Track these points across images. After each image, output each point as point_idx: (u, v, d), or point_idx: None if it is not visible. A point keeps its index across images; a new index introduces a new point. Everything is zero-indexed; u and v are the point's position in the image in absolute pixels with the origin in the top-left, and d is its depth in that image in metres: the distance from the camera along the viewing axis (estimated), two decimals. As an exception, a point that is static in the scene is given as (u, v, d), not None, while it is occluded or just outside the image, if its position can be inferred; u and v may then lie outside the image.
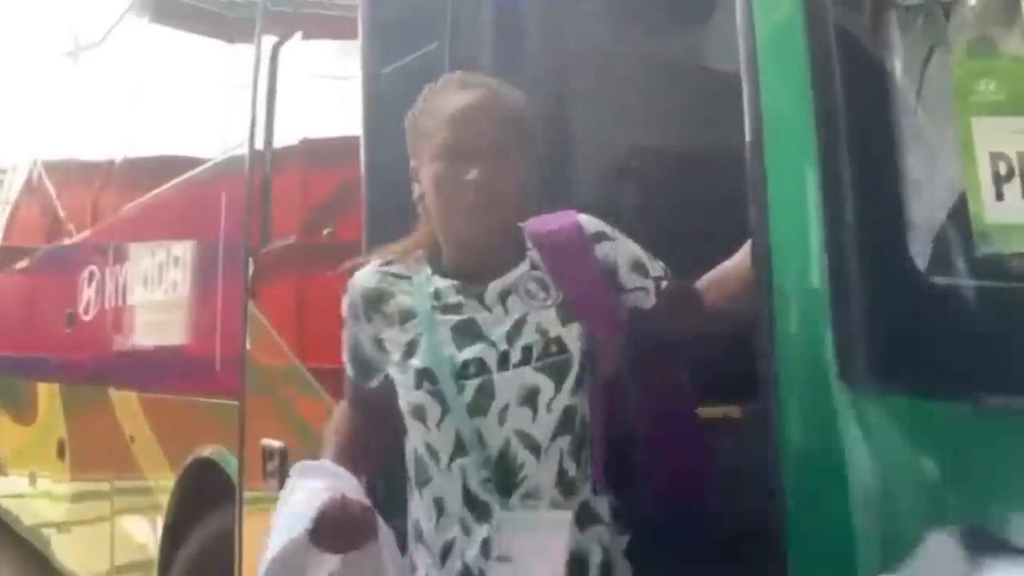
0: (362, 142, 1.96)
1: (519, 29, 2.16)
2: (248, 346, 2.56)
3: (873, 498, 1.25)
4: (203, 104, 3.96)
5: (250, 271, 2.53)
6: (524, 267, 1.55)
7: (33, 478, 5.90)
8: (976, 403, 1.22)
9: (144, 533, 3.84)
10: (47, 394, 5.61)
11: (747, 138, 1.36)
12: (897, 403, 1.24)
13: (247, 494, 2.53)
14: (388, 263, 1.60)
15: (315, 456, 1.69)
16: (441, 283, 1.54)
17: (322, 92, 2.49)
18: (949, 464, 1.24)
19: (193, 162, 3.70)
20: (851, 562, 1.25)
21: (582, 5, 2.22)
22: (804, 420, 1.29)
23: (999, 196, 1.24)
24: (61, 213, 5.98)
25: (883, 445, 1.25)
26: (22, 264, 6.78)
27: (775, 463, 1.30)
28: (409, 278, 1.57)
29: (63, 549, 5.29)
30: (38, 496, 5.84)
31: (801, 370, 1.29)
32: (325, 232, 2.16)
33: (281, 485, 2.35)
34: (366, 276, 1.61)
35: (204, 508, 3.26)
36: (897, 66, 1.30)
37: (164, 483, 3.58)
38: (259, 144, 2.58)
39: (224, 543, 2.90)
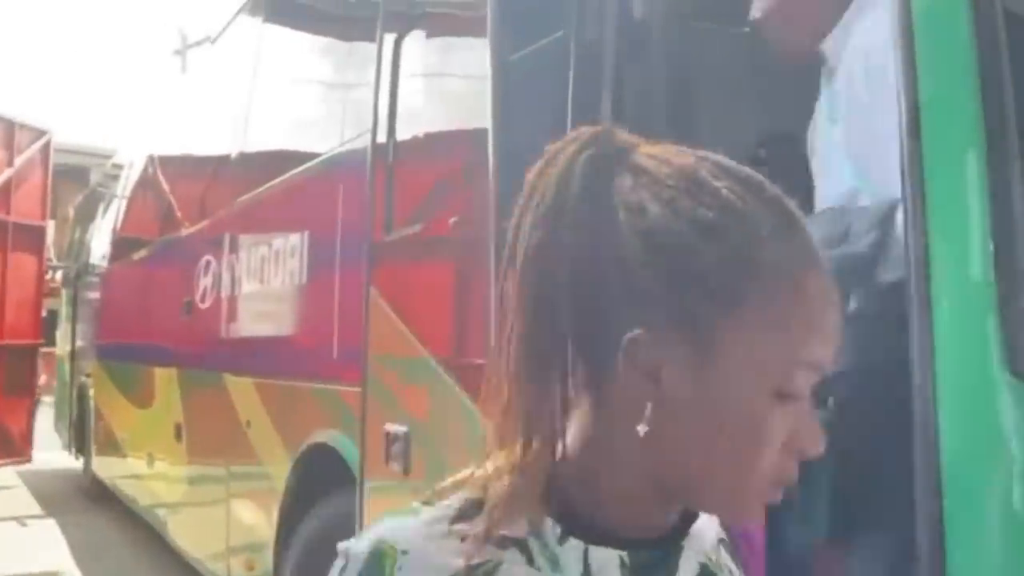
0: (490, 130, 1.95)
1: (646, 14, 2.13)
2: (370, 334, 2.60)
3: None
4: (318, 99, 4.05)
5: (372, 261, 2.57)
6: None
7: (151, 460, 6.13)
8: None
9: (259, 517, 3.95)
10: (164, 379, 5.83)
11: (903, 122, 1.31)
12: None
13: (368, 482, 2.58)
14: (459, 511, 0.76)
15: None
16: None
17: (442, 85, 2.51)
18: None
19: (308, 156, 3.78)
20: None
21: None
22: (968, 415, 1.24)
23: None
24: (174, 206, 6.20)
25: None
26: (138, 255, 7.06)
27: (932, 460, 1.25)
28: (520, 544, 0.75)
29: (179, 529, 5.49)
30: (155, 477, 6.07)
31: (965, 365, 1.24)
32: (451, 221, 2.18)
33: (405, 469, 2.40)
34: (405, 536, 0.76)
35: (319, 493, 3.33)
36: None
37: (280, 468, 3.67)
38: (381, 136, 2.61)
39: (339, 528, 2.96)
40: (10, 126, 8.95)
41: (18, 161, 8.98)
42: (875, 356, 1.46)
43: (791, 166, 2.22)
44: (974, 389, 1.23)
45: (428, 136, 2.53)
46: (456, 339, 2.17)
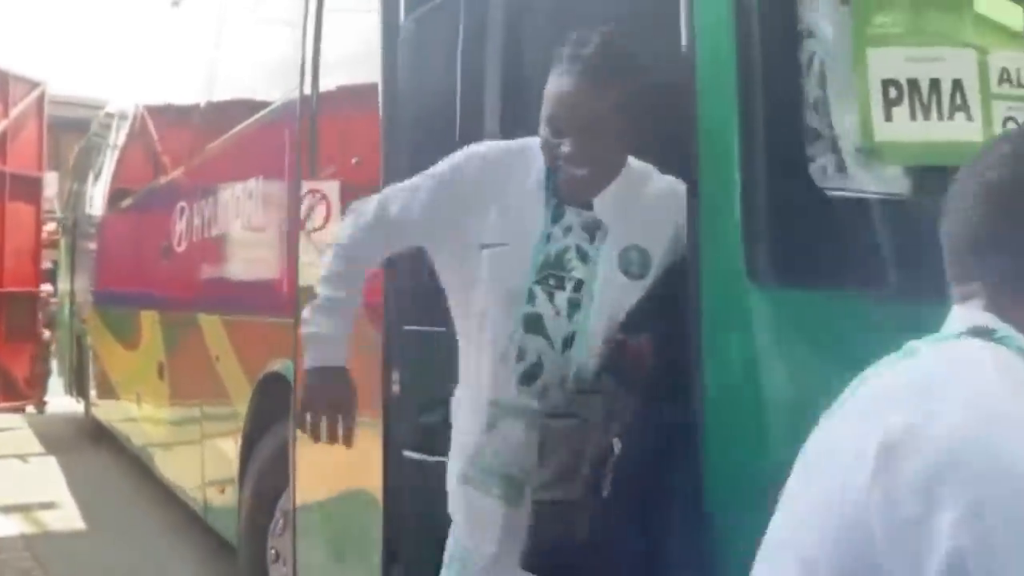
0: (380, 86, 2.18)
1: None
2: (300, 269, 2.85)
3: (780, 377, 1.45)
4: (276, 48, 4.26)
5: (298, 202, 2.82)
6: None
7: (139, 399, 6.45)
8: (865, 294, 1.40)
9: (228, 445, 4.24)
10: (149, 321, 6.12)
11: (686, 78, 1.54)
12: (797, 296, 1.43)
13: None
14: None
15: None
16: None
17: (357, 41, 2.72)
18: (840, 344, 1.43)
19: (265, 103, 4.00)
20: (764, 432, 1.45)
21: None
22: (719, 313, 1.49)
23: (888, 118, 1.40)
24: (158, 154, 6.44)
25: (785, 332, 1.44)
26: (127, 203, 7.31)
27: (696, 354, 1.50)
28: None
29: (164, 462, 5.82)
30: (143, 415, 6.39)
31: (717, 271, 1.49)
32: (353, 161, 2.42)
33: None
34: None
35: (274, 419, 3.62)
36: (806, 6, 1.46)
37: (242, 398, 3.97)
38: (307, 87, 2.85)
39: (286, 450, 3.23)
40: (3, 78, 9.16)
41: (13, 113, 9.21)
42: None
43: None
44: (726, 292, 1.48)
45: (342, 89, 2.76)
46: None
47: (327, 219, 2.72)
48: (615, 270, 1.71)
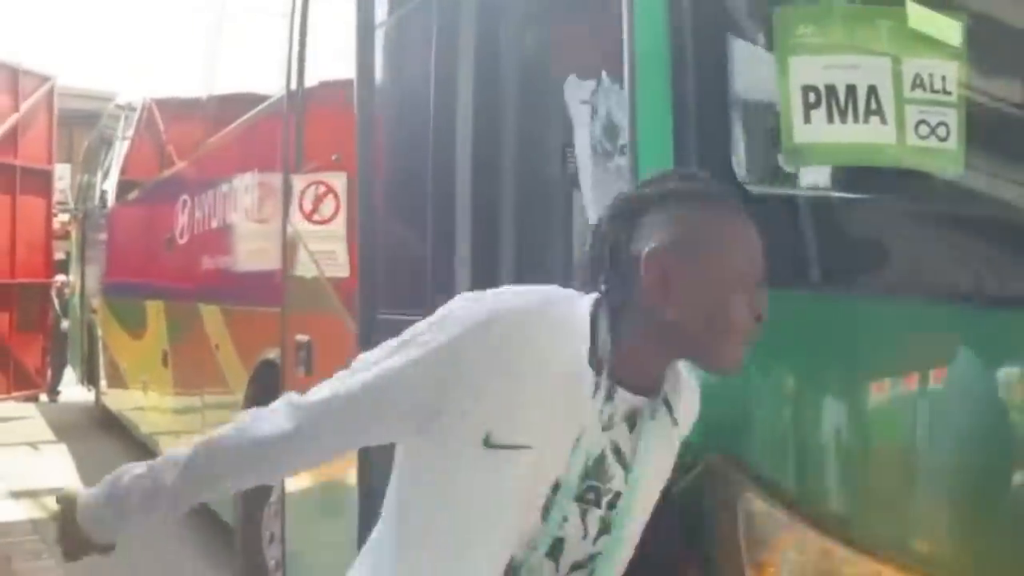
0: (355, 90, 2.30)
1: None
2: (288, 259, 2.98)
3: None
4: (266, 44, 4.37)
5: (286, 195, 2.95)
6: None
7: (145, 387, 6.61)
8: (786, 288, 1.51)
9: (228, 429, 4.38)
10: (154, 311, 6.27)
11: (625, 74, 1.66)
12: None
13: (286, 384, 2.99)
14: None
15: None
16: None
17: (341, 39, 2.83)
18: (768, 335, 1.54)
19: (262, 99, 4.13)
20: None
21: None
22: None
23: (807, 120, 1.51)
24: (166, 147, 6.57)
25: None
26: (135, 195, 7.47)
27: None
28: None
29: (168, 448, 5.96)
30: (149, 403, 6.55)
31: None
32: (333, 158, 2.54)
33: (307, 371, 2.79)
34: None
35: (269, 403, 3.74)
36: (734, 15, 1.57)
37: (240, 384, 4.11)
38: (294, 85, 2.97)
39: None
40: (14, 73, 9.33)
41: (23, 107, 9.37)
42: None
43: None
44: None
45: (325, 85, 2.88)
46: (338, 264, 2.56)
47: (321, 211, 2.84)
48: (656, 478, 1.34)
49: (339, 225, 2.55)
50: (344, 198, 2.65)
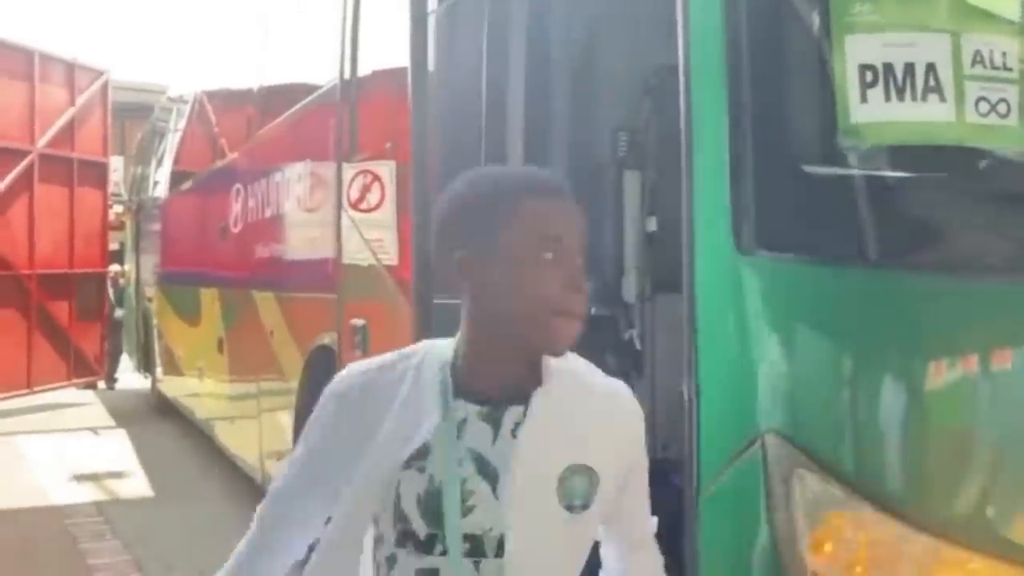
0: (409, 75, 2.33)
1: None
2: (343, 247, 3.03)
3: (768, 341, 1.57)
4: (319, 34, 4.43)
5: (341, 183, 2.99)
6: None
7: (201, 373, 6.75)
8: (844, 266, 1.52)
9: (282, 415, 4.47)
10: (209, 299, 6.39)
11: (679, 61, 1.66)
12: (778, 265, 1.55)
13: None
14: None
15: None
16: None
17: (394, 28, 2.87)
18: (825, 313, 1.55)
19: (314, 88, 4.18)
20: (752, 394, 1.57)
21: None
22: (709, 280, 1.61)
23: (864, 99, 1.51)
24: (219, 138, 6.68)
25: (769, 298, 1.56)
26: (188, 185, 7.60)
27: (690, 317, 1.63)
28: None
29: (224, 432, 6.10)
30: (204, 388, 6.69)
31: (708, 242, 1.61)
32: (387, 145, 2.58)
33: (364, 352, 2.84)
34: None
35: (324, 387, 3.81)
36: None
37: (295, 369, 4.18)
38: (347, 73, 3.01)
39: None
40: (69, 68, 9.52)
41: (79, 101, 9.58)
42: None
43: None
44: (716, 261, 1.60)
45: (379, 75, 2.92)
46: (394, 249, 2.60)
47: (368, 200, 2.88)
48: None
49: (386, 213, 2.59)
50: (391, 186, 2.69)
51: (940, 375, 1.51)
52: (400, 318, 2.51)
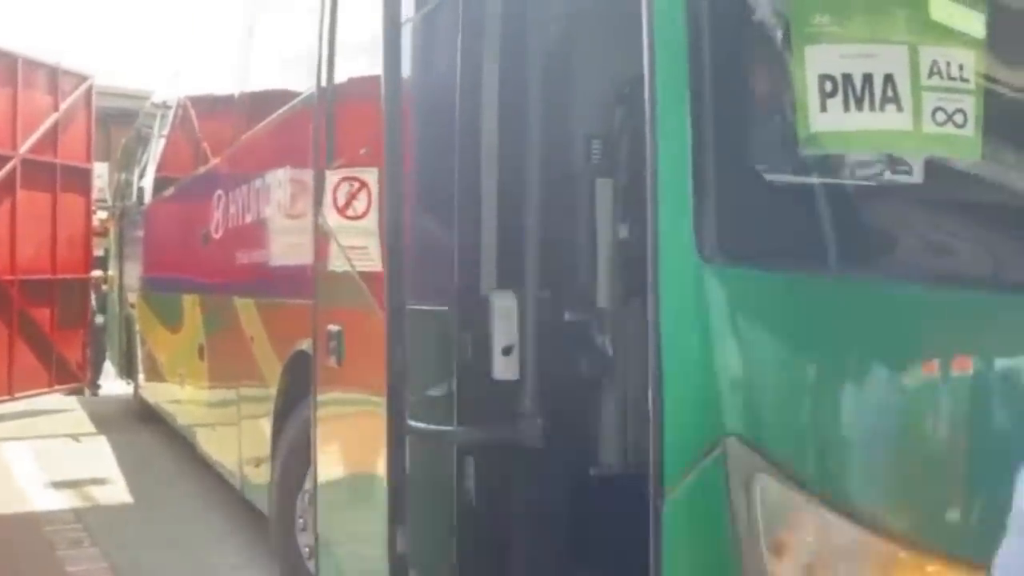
0: (382, 86, 2.34)
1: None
2: (318, 253, 3.04)
3: (730, 349, 1.59)
4: (298, 41, 4.44)
5: (318, 189, 3.00)
6: None
7: (181, 380, 6.73)
8: (805, 274, 1.54)
9: (262, 421, 4.46)
10: (190, 305, 6.38)
11: (644, 69, 1.68)
12: (740, 273, 1.58)
13: (319, 372, 3.06)
14: None
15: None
16: None
17: (371, 37, 2.88)
18: (787, 320, 1.57)
19: (293, 95, 4.19)
20: (714, 404, 1.59)
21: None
22: (672, 287, 1.63)
23: (823, 108, 1.53)
24: (201, 144, 6.68)
25: (731, 305, 1.58)
26: (171, 192, 7.59)
27: (654, 323, 1.64)
28: None
29: (206, 443, 6.09)
30: (185, 398, 6.67)
31: (671, 251, 1.63)
32: (362, 151, 2.60)
33: (339, 360, 2.86)
34: None
35: (302, 394, 3.82)
36: (752, 3, 1.59)
37: (274, 375, 4.18)
38: (324, 81, 3.03)
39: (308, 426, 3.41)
40: (53, 72, 9.49)
41: (63, 106, 9.55)
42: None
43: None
44: (677, 268, 1.62)
45: (355, 83, 2.93)
46: (368, 254, 2.61)
47: (345, 207, 2.89)
48: None
49: (372, 220, 2.61)
50: (369, 193, 2.70)
51: (899, 381, 1.53)
52: (375, 323, 2.53)
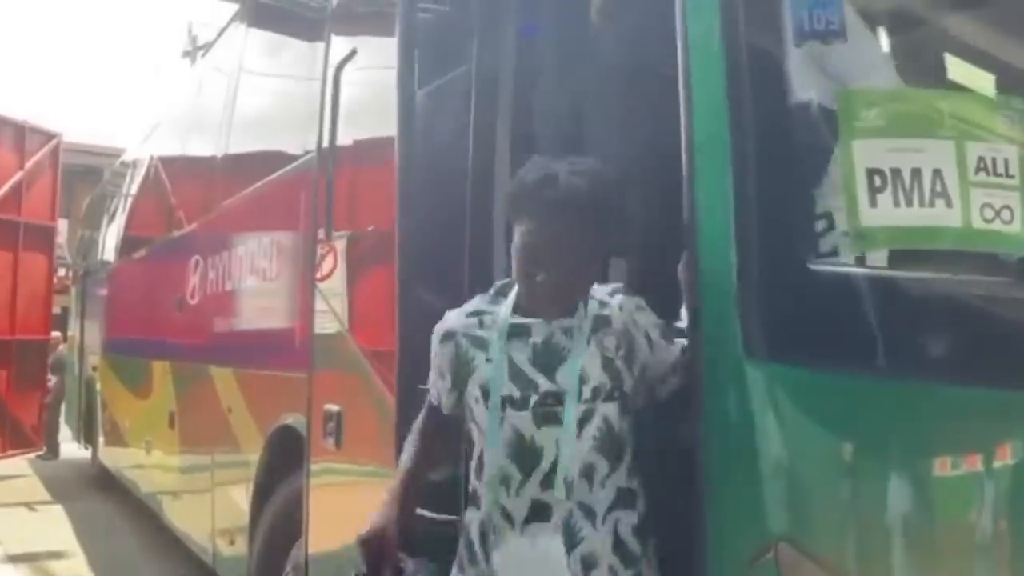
0: (396, 155, 2.30)
1: (539, 52, 2.48)
2: (314, 325, 2.96)
3: (776, 447, 1.54)
4: (291, 110, 4.40)
5: (315, 260, 2.93)
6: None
7: (148, 447, 6.52)
8: (854, 373, 1.50)
9: (239, 495, 4.31)
10: (160, 371, 6.21)
11: (683, 162, 1.66)
12: (791, 373, 1.53)
13: (312, 451, 2.94)
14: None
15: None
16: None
17: (377, 105, 2.86)
18: (837, 420, 1.52)
19: (282, 160, 4.13)
20: (762, 514, 1.53)
21: (588, 32, 2.52)
22: (718, 387, 1.58)
23: (872, 204, 1.51)
24: (176, 206, 6.57)
25: (780, 407, 1.54)
26: (139, 253, 7.45)
27: (697, 422, 1.59)
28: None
29: (174, 513, 5.87)
30: (152, 466, 6.45)
31: (716, 348, 1.58)
32: (369, 229, 2.54)
33: (337, 443, 2.75)
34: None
35: (286, 471, 3.69)
36: (796, 96, 1.57)
37: (254, 449, 4.04)
38: (325, 147, 2.97)
39: (298, 501, 3.30)
40: (20, 130, 9.36)
41: (28, 164, 9.39)
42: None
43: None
44: (723, 367, 1.57)
45: (359, 150, 2.89)
46: (375, 330, 2.53)
47: (339, 275, 2.82)
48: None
49: (378, 295, 2.53)
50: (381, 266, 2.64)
51: (952, 483, 1.49)
52: (380, 405, 2.44)
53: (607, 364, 1.72)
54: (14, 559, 6.14)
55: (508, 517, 1.78)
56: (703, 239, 1.61)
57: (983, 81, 1.68)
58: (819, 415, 1.51)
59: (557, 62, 2.53)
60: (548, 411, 1.72)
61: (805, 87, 1.58)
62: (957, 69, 1.76)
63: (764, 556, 1.47)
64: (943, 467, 1.52)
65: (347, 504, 2.84)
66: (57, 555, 6.31)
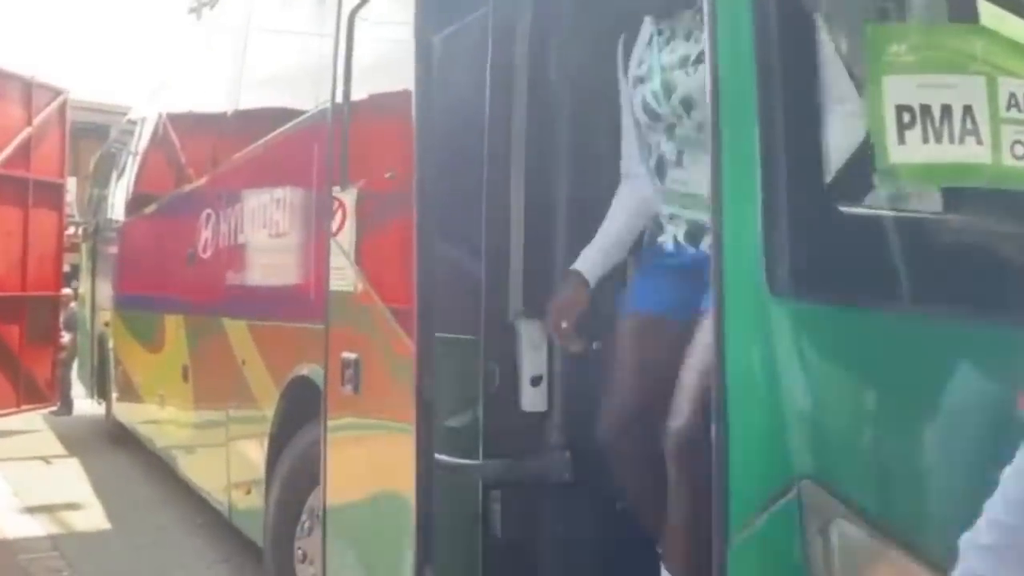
0: (413, 103, 2.28)
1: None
2: (329, 276, 2.95)
3: (797, 386, 1.54)
4: (302, 61, 4.36)
5: (331, 212, 2.92)
6: None
7: (162, 401, 6.57)
8: (880, 310, 1.49)
9: (254, 447, 4.34)
10: (173, 325, 6.24)
11: (708, 94, 1.63)
12: (816, 312, 1.52)
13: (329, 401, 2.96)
14: None
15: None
16: None
17: (389, 54, 2.82)
18: (862, 357, 1.51)
19: (294, 113, 4.10)
20: (782, 446, 1.53)
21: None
22: (741, 323, 1.58)
23: (901, 140, 1.49)
24: (185, 161, 6.55)
25: (802, 342, 1.53)
26: (150, 209, 7.44)
27: (719, 359, 1.59)
28: None
29: (189, 466, 5.93)
30: (166, 417, 6.50)
31: (739, 283, 1.57)
32: (387, 175, 2.52)
33: (355, 390, 2.76)
34: None
35: (301, 421, 3.72)
36: (825, 34, 1.55)
37: (269, 400, 4.07)
38: (339, 98, 2.94)
39: (314, 453, 3.32)
40: (27, 86, 9.30)
41: (36, 120, 9.35)
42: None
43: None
44: (747, 303, 1.56)
45: (375, 101, 2.86)
46: (393, 279, 2.53)
47: (355, 224, 2.81)
48: None
49: (393, 244, 2.52)
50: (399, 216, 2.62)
51: (979, 418, 1.49)
52: (398, 352, 2.44)
53: None
54: (32, 510, 6.22)
55: None
56: (727, 174, 1.59)
57: (1015, 24, 1.65)
58: (844, 354, 1.51)
59: (575, 4, 2.49)
60: None
61: (831, 23, 1.55)
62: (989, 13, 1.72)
63: (786, 495, 1.47)
64: (969, 405, 1.52)
65: (365, 451, 2.86)
66: (75, 506, 6.39)
